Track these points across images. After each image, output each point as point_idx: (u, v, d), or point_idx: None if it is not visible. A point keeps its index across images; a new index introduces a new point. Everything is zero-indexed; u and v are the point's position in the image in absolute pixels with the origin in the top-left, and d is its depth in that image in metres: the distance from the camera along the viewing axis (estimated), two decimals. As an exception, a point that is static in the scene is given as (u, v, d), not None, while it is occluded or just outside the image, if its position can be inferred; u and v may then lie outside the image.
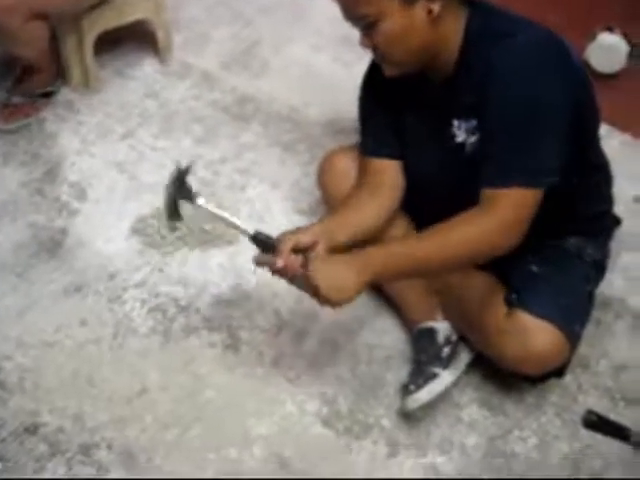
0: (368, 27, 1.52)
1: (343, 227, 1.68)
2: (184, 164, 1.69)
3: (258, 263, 1.61)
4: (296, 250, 1.57)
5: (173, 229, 2.06)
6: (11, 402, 1.84)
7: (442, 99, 1.63)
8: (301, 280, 1.55)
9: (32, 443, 1.76)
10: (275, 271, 1.57)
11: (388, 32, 1.51)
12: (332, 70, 2.72)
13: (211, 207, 1.68)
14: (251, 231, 1.63)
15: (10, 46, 2.37)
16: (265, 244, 1.62)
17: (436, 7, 1.49)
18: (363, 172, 1.79)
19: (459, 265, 1.62)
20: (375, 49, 1.57)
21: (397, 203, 1.77)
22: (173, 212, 1.70)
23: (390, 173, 1.76)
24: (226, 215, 1.68)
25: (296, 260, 1.56)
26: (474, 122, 1.58)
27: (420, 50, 1.55)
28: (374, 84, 1.75)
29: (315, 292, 1.52)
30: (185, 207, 1.71)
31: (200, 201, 1.67)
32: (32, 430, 1.79)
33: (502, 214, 1.49)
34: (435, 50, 1.56)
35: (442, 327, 1.83)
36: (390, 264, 1.52)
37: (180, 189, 1.67)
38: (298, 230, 1.65)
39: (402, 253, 1.53)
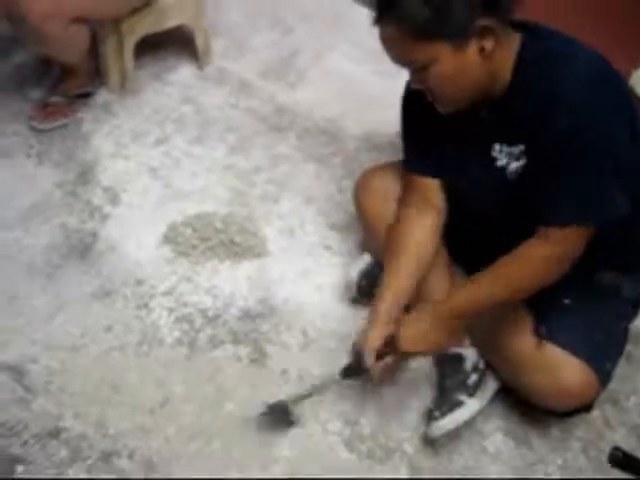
0: (419, 70, 1.49)
1: (403, 293, 1.72)
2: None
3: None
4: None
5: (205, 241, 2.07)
6: (35, 404, 1.84)
7: (486, 122, 1.60)
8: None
9: (54, 447, 1.77)
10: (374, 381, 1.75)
11: (440, 75, 1.47)
12: (372, 83, 2.70)
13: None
14: (339, 377, 1.77)
15: (51, 50, 2.38)
16: (351, 372, 1.75)
17: (489, 44, 1.44)
18: (408, 190, 1.78)
19: (517, 299, 1.63)
20: (427, 90, 1.54)
21: (443, 222, 1.76)
22: None
23: (435, 191, 1.74)
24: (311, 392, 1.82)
25: (385, 365, 1.68)
26: (521, 147, 1.55)
27: (473, 87, 1.51)
28: (415, 100, 1.71)
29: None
30: None
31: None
32: (54, 434, 1.79)
33: (556, 249, 1.49)
34: (488, 83, 1.52)
35: (470, 354, 1.81)
36: (468, 311, 1.59)
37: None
38: (369, 335, 1.68)
39: (475, 294, 1.58)
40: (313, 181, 2.40)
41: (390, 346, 1.63)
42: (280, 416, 1.79)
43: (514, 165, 1.57)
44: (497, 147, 1.60)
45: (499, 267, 1.55)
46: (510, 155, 1.58)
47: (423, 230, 1.73)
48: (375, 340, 1.66)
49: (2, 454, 1.74)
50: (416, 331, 1.60)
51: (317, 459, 1.77)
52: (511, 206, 1.58)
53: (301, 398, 1.80)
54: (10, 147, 2.46)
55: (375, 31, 1.51)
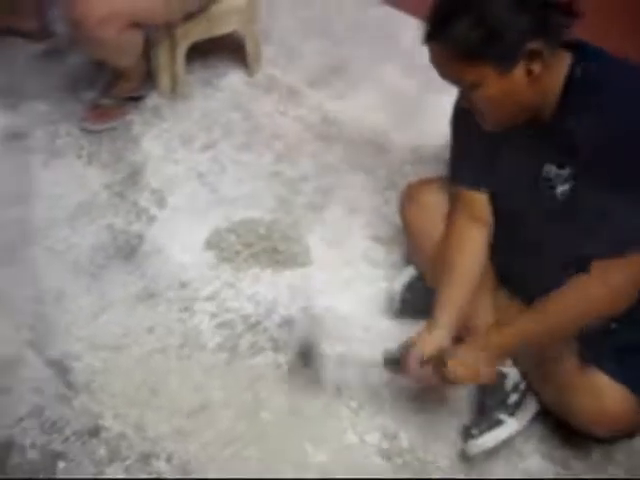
0: (466, 90, 1.49)
1: (460, 306, 1.70)
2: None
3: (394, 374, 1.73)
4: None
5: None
6: (76, 402, 1.87)
7: (536, 142, 1.58)
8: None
9: (93, 446, 1.79)
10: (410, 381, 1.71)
11: (486, 96, 1.46)
12: (421, 95, 2.70)
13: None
14: (380, 356, 1.73)
15: (104, 54, 2.41)
16: (394, 361, 1.72)
17: (537, 67, 1.42)
18: (456, 203, 1.76)
19: (573, 332, 1.60)
20: (473, 109, 1.53)
21: (490, 237, 1.74)
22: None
23: (483, 205, 1.73)
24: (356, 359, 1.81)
25: (426, 371, 1.65)
26: (570, 169, 1.53)
27: (520, 109, 1.50)
28: (466, 113, 1.70)
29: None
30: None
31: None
32: (94, 433, 1.81)
33: (616, 283, 1.45)
34: (536, 105, 1.50)
35: (511, 373, 1.79)
36: (518, 343, 1.57)
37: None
38: (420, 339, 1.68)
39: (526, 331, 1.55)
40: (359, 192, 2.40)
41: (437, 364, 1.62)
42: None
43: (563, 187, 1.55)
44: (547, 167, 1.58)
45: (554, 303, 1.51)
46: (559, 177, 1.56)
47: (473, 244, 1.71)
48: (428, 345, 1.65)
49: (44, 450, 1.77)
50: (464, 364, 1.59)
51: (351, 467, 1.77)
52: (559, 228, 1.56)
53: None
54: (62, 147, 2.51)
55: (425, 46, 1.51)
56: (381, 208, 2.33)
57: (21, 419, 1.81)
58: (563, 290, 1.50)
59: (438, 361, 1.62)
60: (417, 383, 1.72)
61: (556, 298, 1.51)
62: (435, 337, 1.66)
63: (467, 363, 1.59)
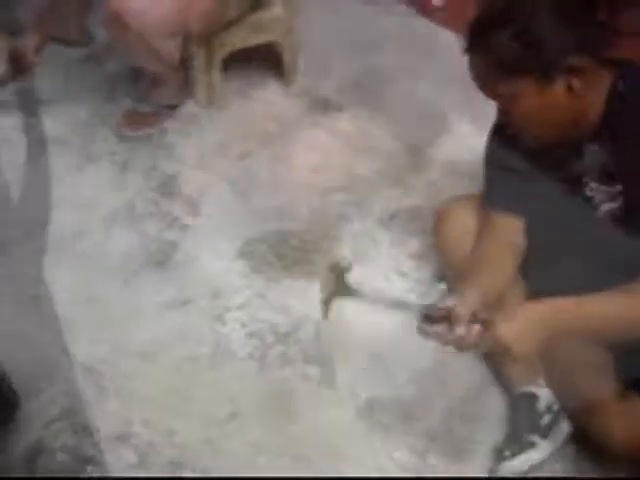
0: (505, 104, 1.48)
1: (491, 289, 1.61)
2: (344, 262, 1.62)
3: (427, 334, 1.54)
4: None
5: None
6: (106, 407, 1.87)
7: (579, 160, 1.57)
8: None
9: (122, 451, 1.79)
10: (449, 340, 1.51)
11: (524, 111, 1.46)
12: (455, 109, 2.69)
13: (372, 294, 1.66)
14: (419, 307, 1.58)
15: (143, 62, 2.43)
16: (433, 317, 1.56)
17: (577, 83, 1.42)
18: (488, 227, 1.74)
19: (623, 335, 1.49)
20: (512, 125, 1.52)
21: (518, 264, 1.72)
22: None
23: (516, 232, 1.70)
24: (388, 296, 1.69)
25: (475, 328, 1.49)
26: (618, 187, 1.51)
27: (560, 125, 1.49)
28: (503, 132, 1.69)
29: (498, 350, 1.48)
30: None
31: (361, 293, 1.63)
32: (124, 438, 1.82)
33: None
34: (577, 121, 1.49)
35: (544, 394, 1.77)
36: (577, 319, 1.45)
37: (339, 287, 1.62)
38: (456, 300, 1.56)
39: (584, 308, 1.44)
40: (392, 205, 2.39)
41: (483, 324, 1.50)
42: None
43: (609, 206, 1.54)
44: (592, 186, 1.57)
45: (622, 294, 1.42)
46: (605, 195, 1.54)
47: (502, 265, 1.69)
48: (469, 305, 1.53)
49: (73, 453, 1.78)
50: (516, 325, 1.44)
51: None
52: (602, 249, 1.54)
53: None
54: (97, 153, 2.53)
55: (463, 59, 1.50)
56: (414, 222, 2.32)
57: (52, 421, 1.83)
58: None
59: (485, 321, 1.50)
60: (459, 339, 1.52)
61: (625, 289, 1.41)
62: (470, 299, 1.55)
63: (516, 327, 1.44)
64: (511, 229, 1.71)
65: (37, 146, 2.55)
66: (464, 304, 1.53)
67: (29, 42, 2.42)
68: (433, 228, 1.98)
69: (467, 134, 2.55)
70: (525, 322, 1.44)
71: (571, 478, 1.71)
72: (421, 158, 2.54)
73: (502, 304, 1.63)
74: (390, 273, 2.21)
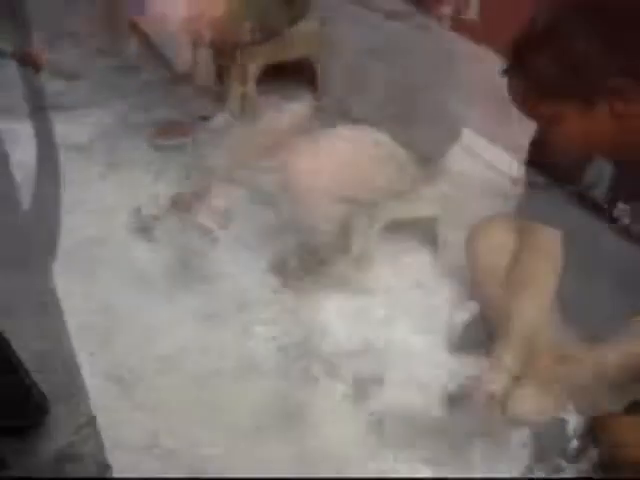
0: (544, 126, 1.47)
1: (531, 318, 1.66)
2: None
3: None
4: None
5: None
6: (132, 415, 1.87)
7: (610, 178, 1.56)
8: None
9: (146, 460, 1.79)
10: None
11: (565, 134, 1.43)
12: (488, 128, 2.68)
13: None
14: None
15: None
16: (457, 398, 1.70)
17: (620, 106, 1.38)
18: (530, 240, 1.73)
19: None
20: (551, 147, 1.50)
21: (560, 274, 1.70)
22: None
23: (557, 242, 1.69)
24: None
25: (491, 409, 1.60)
26: None
27: (600, 149, 1.47)
28: (540, 151, 1.68)
29: None
30: None
31: None
32: (147, 447, 1.81)
33: None
34: (622, 146, 1.46)
35: (572, 419, 1.74)
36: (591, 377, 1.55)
37: None
38: (486, 377, 1.63)
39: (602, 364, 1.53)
40: (423, 222, 2.38)
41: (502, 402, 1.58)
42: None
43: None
44: (621, 206, 1.55)
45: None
46: (636, 215, 1.52)
47: (546, 281, 1.68)
48: (494, 383, 1.60)
49: (98, 459, 1.78)
50: (528, 400, 1.55)
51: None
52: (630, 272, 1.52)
53: None
54: (131, 161, 2.55)
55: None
56: (446, 240, 2.31)
57: (79, 427, 1.83)
58: None
59: (503, 399, 1.57)
60: (480, 421, 1.65)
61: None
62: (501, 376, 1.61)
63: (532, 400, 1.54)
64: (551, 241, 1.69)
65: (63, 152, 2.57)
66: (488, 382, 1.59)
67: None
68: (466, 247, 1.96)
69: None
70: (537, 398, 1.55)
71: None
72: (456, 176, 2.52)
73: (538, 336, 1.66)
74: (421, 290, 2.22)
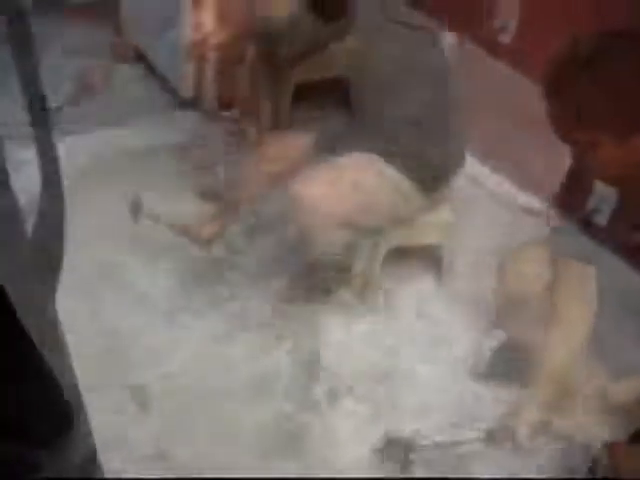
0: (580, 152, 1.45)
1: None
2: None
3: None
4: None
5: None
6: (146, 426, 1.85)
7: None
8: None
9: (157, 471, 1.76)
10: None
11: (601, 163, 1.42)
12: (526, 151, 2.58)
13: None
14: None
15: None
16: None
17: None
18: (564, 276, 1.71)
19: None
20: (588, 173, 1.49)
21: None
22: None
23: (591, 279, 1.67)
24: None
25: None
26: None
27: (636, 178, 1.44)
28: (579, 181, 1.65)
29: None
30: None
31: None
32: (159, 458, 1.79)
33: None
34: None
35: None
36: None
37: None
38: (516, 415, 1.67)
39: None
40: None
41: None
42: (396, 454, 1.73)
43: None
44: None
45: None
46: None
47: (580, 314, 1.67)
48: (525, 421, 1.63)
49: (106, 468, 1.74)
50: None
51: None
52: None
53: None
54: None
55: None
56: (471, 269, 2.29)
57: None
58: None
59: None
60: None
61: None
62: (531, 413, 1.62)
63: None
64: (588, 278, 1.67)
65: (81, 172, 2.51)
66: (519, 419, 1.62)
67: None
68: (498, 274, 1.94)
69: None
70: None
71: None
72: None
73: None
74: (447, 319, 2.19)
